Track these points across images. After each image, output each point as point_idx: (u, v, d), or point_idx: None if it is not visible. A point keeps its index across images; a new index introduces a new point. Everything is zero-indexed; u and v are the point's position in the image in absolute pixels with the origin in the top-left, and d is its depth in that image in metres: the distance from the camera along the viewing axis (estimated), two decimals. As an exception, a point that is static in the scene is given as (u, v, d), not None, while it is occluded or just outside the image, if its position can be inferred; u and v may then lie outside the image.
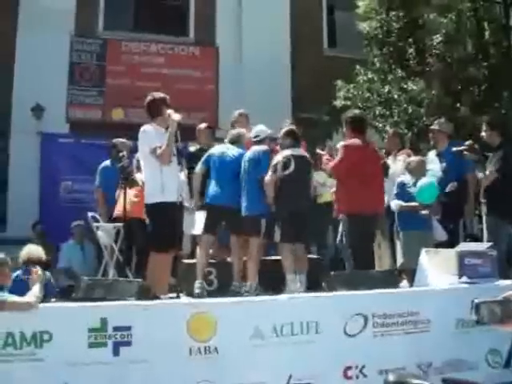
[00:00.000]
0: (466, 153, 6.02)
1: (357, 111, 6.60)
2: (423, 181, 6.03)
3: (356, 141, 5.63)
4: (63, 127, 10.93)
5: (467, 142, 5.98)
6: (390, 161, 6.95)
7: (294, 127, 5.84)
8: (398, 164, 6.84)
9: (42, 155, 10.48)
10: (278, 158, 5.52)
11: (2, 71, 10.40)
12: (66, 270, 7.71)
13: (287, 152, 5.51)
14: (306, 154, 5.72)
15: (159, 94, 5.02)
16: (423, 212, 6.11)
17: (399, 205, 6.28)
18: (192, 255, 6.04)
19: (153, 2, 11.97)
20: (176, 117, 4.77)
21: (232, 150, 5.76)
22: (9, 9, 10.62)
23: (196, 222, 5.52)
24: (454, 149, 6.40)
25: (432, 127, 7.01)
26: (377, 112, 9.40)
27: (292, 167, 5.42)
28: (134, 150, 5.80)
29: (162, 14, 11.88)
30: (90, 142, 10.38)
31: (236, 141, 5.92)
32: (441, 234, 6.23)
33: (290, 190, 5.41)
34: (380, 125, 9.31)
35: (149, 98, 4.99)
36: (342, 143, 5.82)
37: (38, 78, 10.14)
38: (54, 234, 9.11)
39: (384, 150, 7.24)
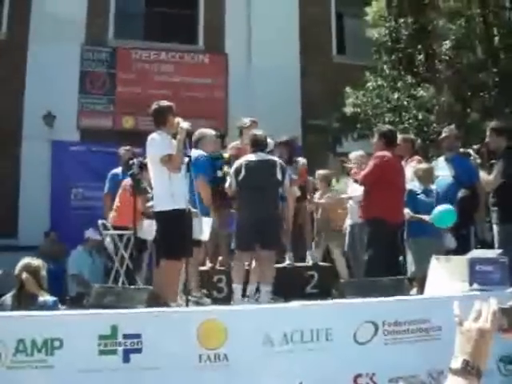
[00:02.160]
0: (472, 154, 5.91)
1: (388, 126, 6.89)
2: (442, 207, 5.87)
3: (387, 153, 5.87)
4: (74, 135, 11.05)
5: (475, 146, 5.89)
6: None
7: (256, 133, 5.70)
8: (408, 171, 6.81)
9: (52, 163, 10.60)
10: (232, 168, 5.56)
11: (13, 80, 10.54)
12: (75, 276, 7.74)
13: (240, 160, 5.52)
14: (268, 158, 5.53)
15: (165, 103, 5.03)
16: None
17: (408, 214, 6.27)
18: (204, 262, 6.07)
19: (162, 11, 12.06)
20: (185, 124, 4.80)
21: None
22: (20, 19, 10.77)
23: (204, 228, 5.53)
24: (462, 150, 6.39)
25: (446, 134, 6.96)
26: (386, 119, 9.38)
27: (242, 174, 5.35)
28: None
29: (171, 22, 11.96)
30: (101, 150, 10.48)
31: (197, 142, 5.72)
32: (450, 241, 6.20)
33: (243, 198, 5.43)
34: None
35: (154, 106, 5.00)
36: (376, 153, 5.97)
37: (49, 86, 10.26)
38: (65, 241, 9.19)
39: None
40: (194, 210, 5.36)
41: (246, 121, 6.52)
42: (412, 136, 7.75)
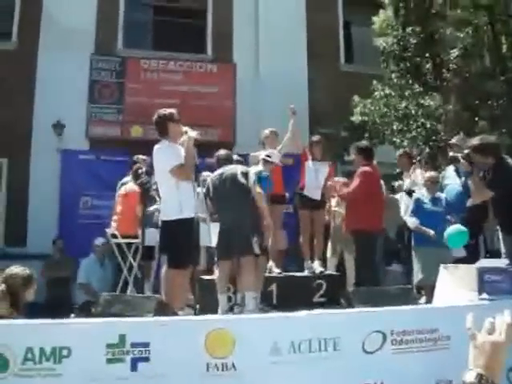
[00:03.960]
0: (462, 160, 5.47)
1: (365, 142, 7.23)
2: (453, 228, 5.78)
3: (368, 168, 6.24)
4: (83, 144, 11.08)
5: (465, 151, 5.38)
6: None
7: (218, 153, 5.87)
8: (405, 182, 7.05)
9: (61, 171, 10.63)
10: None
11: (23, 89, 10.62)
12: (84, 285, 7.74)
13: (207, 179, 5.73)
14: (228, 168, 5.59)
15: (164, 111, 4.98)
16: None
17: (415, 225, 6.29)
18: (208, 271, 6.08)
19: (171, 20, 12.14)
20: (193, 133, 4.80)
21: None
22: (30, 29, 10.87)
23: (212, 235, 5.55)
24: (451, 154, 6.30)
25: (452, 141, 7.00)
26: (394, 127, 9.38)
27: (211, 190, 5.51)
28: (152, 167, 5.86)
29: (180, 31, 12.04)
30: (110, 159, 10.52)
31: None
32: (458, 250, 6.18)
33: (216, 210, 5.57)
34: (398, 140, 9.29)
35: (155, 116, 4.99)
36: (360, 169, 6.23)
37: (58, 95, 10.34)
38: (74, 249, 9.21)
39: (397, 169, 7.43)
40: (202, 215, 5.39)
41: (266, 132, 6.66)
42: (406, 149, 7.87)
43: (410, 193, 7.03)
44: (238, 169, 5.54)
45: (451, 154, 6.31)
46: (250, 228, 5.20)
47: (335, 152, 10.67)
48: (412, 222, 6.44)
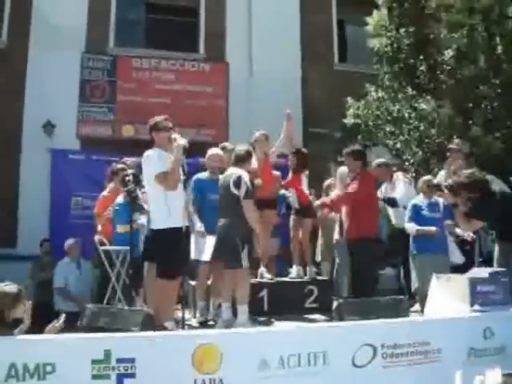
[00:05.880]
0: (445, 191, 5.34)
1: (358, 146, 6.89)
2: None
3: (369, 171, 6.21)
4: (74, 144, 10.97)
5: (450, 181, 5.17)
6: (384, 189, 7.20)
7: (238, 148, 5.61)
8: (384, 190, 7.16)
9: (52, 171, 10.50)
10: None
11: (13, 88, 10.51)
12: (61, 289, 7.53)
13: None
14: (230, 173, 5.30)
15: (152, 120, 4.94)
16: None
17: (415, 229, 6.21)
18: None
19: (163, 19, 12.03)
20: (182, 141, 4.72)
21: None
22: (20, 27, 10.75)
23: (206, 248, 5.46)
24: (435, 181, 6.26)
25: (451, 146, 6.99)
26: (387, 129, 9.32)
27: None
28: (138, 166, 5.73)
29: (172, 30, 11.93)
30: (101, 159, 10.35)
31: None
32: (457, 256, 6.15)
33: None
34: (390, 143, 9.24)
35: None
36: (362, 173, 6.04)
37: (49, 94, 10.26)
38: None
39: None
40: (199, 229, 5.32)
41: (257, 134, 6.50)
42: (384, 160, 7.65)
43: (389, 201, 6.95)
44: (232, 176, 5.23)
45: (435, 181, 6.26)
46: (239, 240, 5.05)
47: (328, 152, 10.63)
48: (411, 227, 6.33)
